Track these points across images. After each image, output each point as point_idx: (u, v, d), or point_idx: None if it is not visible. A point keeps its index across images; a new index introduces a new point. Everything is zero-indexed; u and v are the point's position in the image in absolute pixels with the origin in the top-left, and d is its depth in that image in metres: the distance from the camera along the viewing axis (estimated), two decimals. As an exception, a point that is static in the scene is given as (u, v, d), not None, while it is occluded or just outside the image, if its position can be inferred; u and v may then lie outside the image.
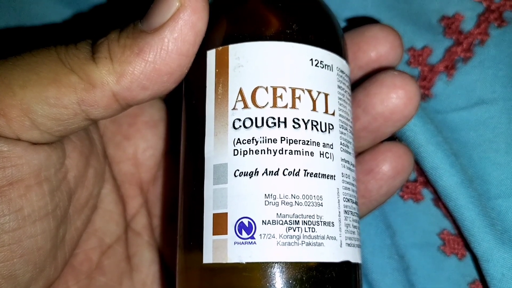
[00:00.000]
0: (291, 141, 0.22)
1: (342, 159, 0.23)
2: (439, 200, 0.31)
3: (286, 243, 0.21)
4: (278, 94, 0.22)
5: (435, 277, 0.31)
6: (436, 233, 0.32)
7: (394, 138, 0.31)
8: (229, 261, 0.21)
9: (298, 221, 0.21)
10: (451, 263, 0.31)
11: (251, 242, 0.21)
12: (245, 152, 0.22)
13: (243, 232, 0.21)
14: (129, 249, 0.28)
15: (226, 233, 0.21)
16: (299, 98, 0.22)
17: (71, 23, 0.33)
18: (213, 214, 0.22)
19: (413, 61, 0.32)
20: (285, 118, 0.22)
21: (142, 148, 0.29)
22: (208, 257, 0.21)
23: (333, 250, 0.22)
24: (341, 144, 0.23)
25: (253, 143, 0.22)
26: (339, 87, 0.24)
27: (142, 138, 0.29)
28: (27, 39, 0.33)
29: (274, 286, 0.21)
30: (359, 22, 0.32)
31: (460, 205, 0.30)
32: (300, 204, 0.21)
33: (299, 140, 0.22)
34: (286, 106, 0.22)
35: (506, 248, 0.29)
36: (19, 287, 0.22)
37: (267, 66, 0.22)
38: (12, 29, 0.33)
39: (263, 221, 0.21)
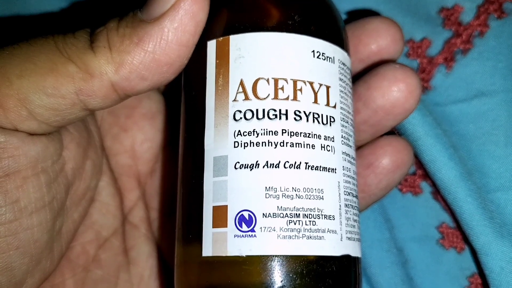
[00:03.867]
0: (292, 134, 0.22)
1: (343, 152, 0.23)
2: (438, 193, 0.31)
3: (287, 236, 0.21)
4: (280, 86, 0.22)
5: (434, 271, 0.31)
6: (435, 226, 0.32)
7: (393, 131, 0.31)
8: (229, 254, 0.21)
9: (299, 214, 0.21)
10: (450, 256, 0.31)
11: (251, 235, 0.21)
12: (245, 144, 0.21)
13: (243, 225, 0.21)
14: (126, 242, 0.28)
15: (226, 226, 0.21)
16: (300, 90, 0.22)
17: (69, 12, 0.32)
18: (213, 206, 0.21)
19: (412, 53, 0.32)
20: (286, 110, 0.22)
21: (139, 140, 0.29)
22: (207, 250, 0.21)
23: (334, 244, 0.21)
24: (342, 137, 0.23)
25: (254, 135, 0.21)
26: (340, 79, 0.23)
27: (139, 130, 0.29)
28: (24, 28, 0.32)
29: (274, 279, 0.20)
30: (359, 14, 0.32)
31: (459, 198, 0.30)
32: (301, 197, 0.21)
33: (300, 133, 0.22)
34: (287, 98, 0.22)
35: (505, 241, 0.29)
36: (15, 280, 0.21)
37: (268, 58, 0.22)
38: (8, 19, 0.32)
39: (263, 214, 0.21)
